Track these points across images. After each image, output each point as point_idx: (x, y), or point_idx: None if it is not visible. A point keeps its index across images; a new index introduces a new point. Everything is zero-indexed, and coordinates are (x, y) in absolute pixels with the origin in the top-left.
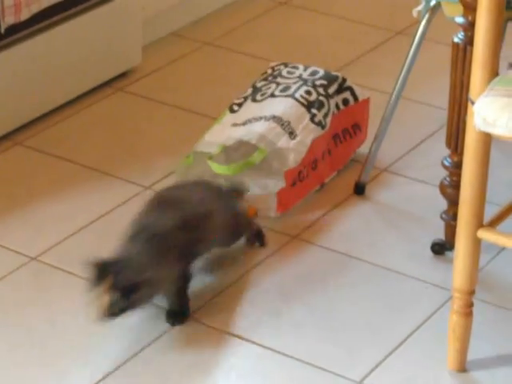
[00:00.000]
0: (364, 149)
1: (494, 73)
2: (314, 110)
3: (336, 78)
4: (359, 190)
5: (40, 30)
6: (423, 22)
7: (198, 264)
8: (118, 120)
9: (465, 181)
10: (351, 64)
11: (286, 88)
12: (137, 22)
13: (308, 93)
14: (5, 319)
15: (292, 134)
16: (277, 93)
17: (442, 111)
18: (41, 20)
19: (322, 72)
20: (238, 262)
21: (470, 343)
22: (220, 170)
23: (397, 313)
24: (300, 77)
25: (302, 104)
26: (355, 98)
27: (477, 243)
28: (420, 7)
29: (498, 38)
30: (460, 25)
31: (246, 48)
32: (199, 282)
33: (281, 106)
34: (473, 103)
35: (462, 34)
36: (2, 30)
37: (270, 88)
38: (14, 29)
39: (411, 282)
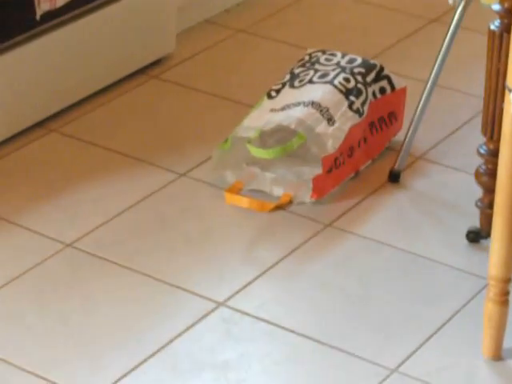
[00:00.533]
0: (399, 136)
1: None
2: (352, 98)
3: (374, 66)
4: (394, 177)
5: (75, 17)
6: (459, 10)
7: (237, 249)
8: (152, 107)
9: (501, 168)
10: (386, 51)
11: (325, 75)
12: (171, 10)
13: (346, 80)
14: (40, 305)
15: (330, 121)
16: (315, 79)
17: (477, 99)
18: (76, 7)
19: (359, 60)
20: (273, 248)
21: (505, 331)
22: (259, 154)
23: (432, 301)
24: (338, 64)
25: (341, 91)
26: (392, 87)
27: None
28: None
29: None
30: (496, 12)
31: (280, 35)
32: (233, 267)
33: (319, 92)
34: (510, 91)
35: (499, 21)
36: (38, 17)
37: (308, 74)
38: (49, 15)
39: (446, 269)
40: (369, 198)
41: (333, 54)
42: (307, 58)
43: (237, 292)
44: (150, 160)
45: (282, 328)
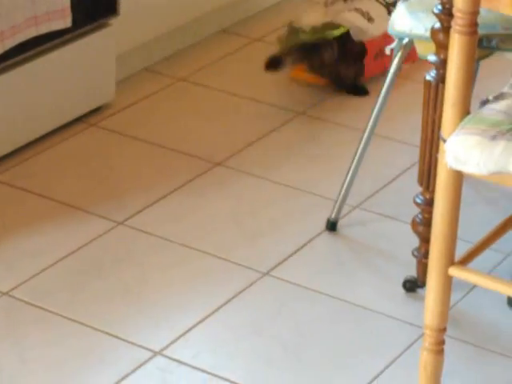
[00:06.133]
0: (336, 186)
1: (465, 111)
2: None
3: None
4: (331, 226)
5: (14, 65)
6: (396, 60)
7: (174, 298)
8: (91, 155)
9: (436, 218)
10: (322, 101)
11: None
12: (110, 58)
13: None
14: None
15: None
16: None
17: (414, 148)
18: (15, 55)
19: None
20: (210, 297)
21: (441, 381)
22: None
23: (368, 350)
24: None
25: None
26: None
27: (448, 281)
28: (393, 45)
29: (469, 76)
30: (432, 63)
31: (218, 84)
32: (170, 316)
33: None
34: (444, 141)
35: (435, 72)
36: None
37: None
38: None
39: (383, 319)
40: (306, 247)
41: None
42: None
43: (173, 341)
44: (87, 208)
45: (219, 377)
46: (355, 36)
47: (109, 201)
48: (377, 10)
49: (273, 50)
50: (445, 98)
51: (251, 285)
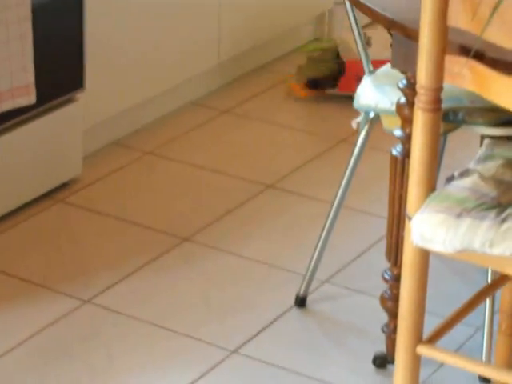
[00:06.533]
0: (305, 259)
1: (430, 188)
2: None
3: None
4: (300, 302)
5: None
6: (362, 134)
7: (143, 379)
8: (58, 232)
9: (403, 296)
10: (292, 173)
11: None
12: (77, 132)
13: None
14: None
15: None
16: None
17: (383, 220)
18: None
19: None
20: (177, 377)
21: None
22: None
23: None
24: None
25: None
26: None
27: (416, 359)
28: (359, 119)
29: (434, 153)
30: (398, 137)
31: (187, 157)
32: None
33: None
34: (410, 219)
35: (400, 146)
36: None
37: None
38: None
39: None
40: (275, 324)
41: None
42: None
43: None
44: (53, 286)
45: None
46: (342, 53)
47: (75, 278)
48: (381, 38)
49: (241, 124)
50: (409, 175)
51: (219, 363)
